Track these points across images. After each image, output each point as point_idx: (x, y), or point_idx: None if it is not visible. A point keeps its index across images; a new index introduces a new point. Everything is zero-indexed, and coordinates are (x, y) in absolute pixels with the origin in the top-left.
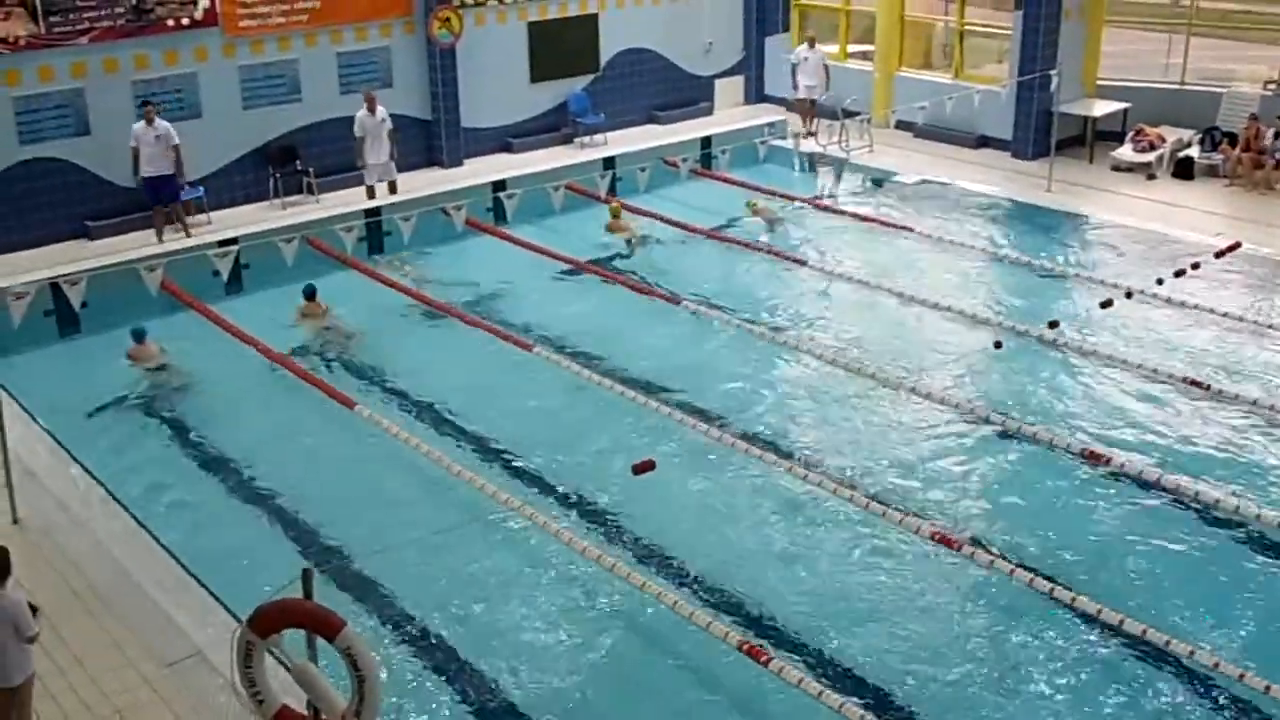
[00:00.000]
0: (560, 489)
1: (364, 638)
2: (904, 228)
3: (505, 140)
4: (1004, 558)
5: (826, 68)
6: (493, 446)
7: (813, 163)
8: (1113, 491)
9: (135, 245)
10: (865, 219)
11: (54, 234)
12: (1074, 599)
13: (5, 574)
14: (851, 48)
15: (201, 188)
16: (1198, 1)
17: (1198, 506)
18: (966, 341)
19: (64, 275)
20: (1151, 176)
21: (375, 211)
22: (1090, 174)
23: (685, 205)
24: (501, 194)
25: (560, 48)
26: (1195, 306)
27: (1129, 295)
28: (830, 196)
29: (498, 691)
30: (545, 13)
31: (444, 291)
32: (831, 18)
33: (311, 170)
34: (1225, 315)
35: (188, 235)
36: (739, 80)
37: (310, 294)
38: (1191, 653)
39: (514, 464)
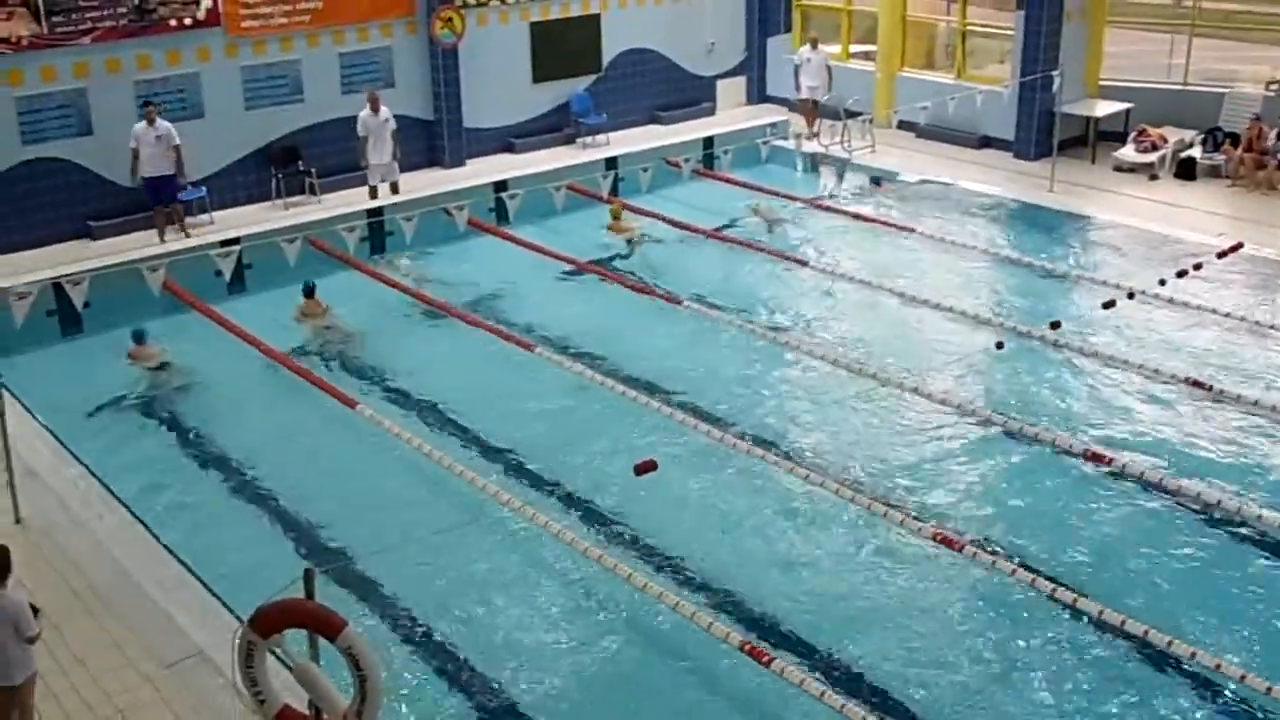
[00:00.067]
0: (561, 489)
1: (365, 638)
2: (906, 228)
3: (507, 140)
4: (1006, 558)
5: (829, 69)
6: (494, 446)
7: (815, 163)
8: (1114, 492)
9: (137, 245)
10: (867, 219)
11: (56, 234)
12: (1076, 600)
13: (5, 574)
14: (853, 48)
15: (204, 188)
16: (1200, 2)
17: (1200, 507)
18: (968, 342)
19: (66, 275)
20: (1154, 177)
21: (377, 212)
22: (1092, 174)
23: (687, 205)
24: (503, 194)
25: (562, 48)
26: (1197, 307)
27: (1131, 296)
28: (832, 197)
29: (498, 691)
30: (547, 13)
31: (446, 291)
32: (833, 18)
33: (313, 170)
34: (1227, 316)
35: (186, 236)
36: (741, 81)
37: (309, 291)
38: (1193, 654)
39: (515, 464)
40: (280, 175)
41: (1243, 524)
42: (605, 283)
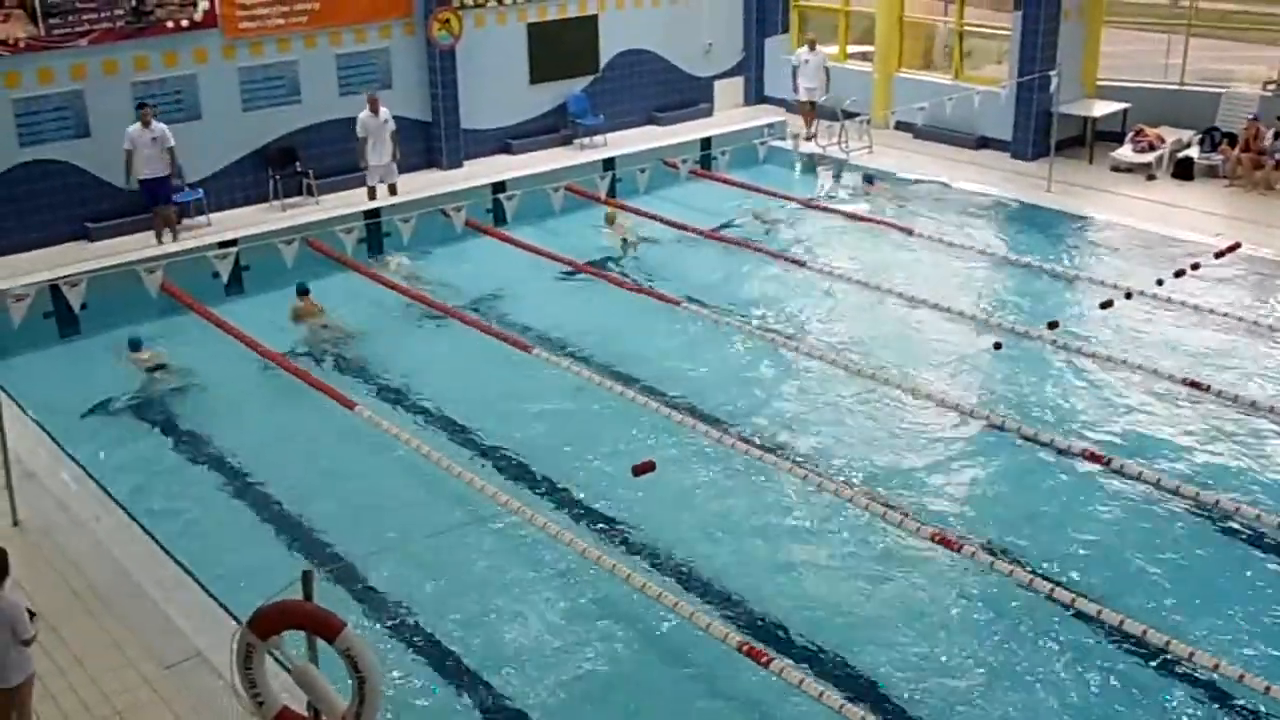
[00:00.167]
0: (560, 490)
1: (364, 639)
2: (904, 229)
3: (505, 141)
4: (1004, 558)
5: (827, 70)
6: (492, 447)
7: (812, 164)
8: (1113, 492)
9: (135, 247)
10: (865, 219)
11: (54, 236)
12: (1074, 600)
13: (4, 576)
14: (851, 49)
15: (201, 190)
16: (1197, 2)
17: (1198, 507)
18: (966, 342)
19: (64, 277)
20: (1151, 177)
21: (375, 213)
22: (1090, 174)
23: (685, 206)
24: (501, 195)
25: (560, 49)
26: (1195, 307)
27: (1129, 296)
28: (830, 197)
29: (498, 691)
30: (545, 14)
31: (444, 293)
32: (831, 18)
33: (311, 172)
34: (1225, 316)
35: (175, 239)
36: (739, 81)
37: (303, 291)
38: (1191, 654)
39: (514, 465)
40: (278, 177)
41: (1242, 524)
42: (603, 284)
